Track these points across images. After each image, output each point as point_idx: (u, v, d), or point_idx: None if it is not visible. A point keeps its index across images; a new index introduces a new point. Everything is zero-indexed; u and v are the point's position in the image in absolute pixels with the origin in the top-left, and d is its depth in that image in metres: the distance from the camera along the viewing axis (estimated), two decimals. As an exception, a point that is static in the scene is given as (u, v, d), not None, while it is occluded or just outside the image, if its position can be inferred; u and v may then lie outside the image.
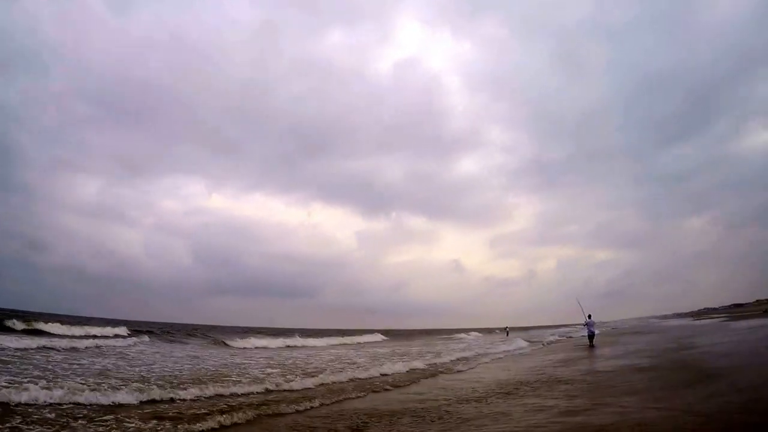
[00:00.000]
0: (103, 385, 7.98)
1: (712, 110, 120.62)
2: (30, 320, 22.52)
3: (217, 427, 5.68)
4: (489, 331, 51.15)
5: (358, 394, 8.32)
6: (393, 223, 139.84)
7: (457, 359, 15.90)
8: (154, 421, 5.68)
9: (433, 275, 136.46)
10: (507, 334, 41.86)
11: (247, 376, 10.49)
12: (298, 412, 6.68)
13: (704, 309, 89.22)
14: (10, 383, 7.30)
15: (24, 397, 6.40)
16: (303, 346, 25.66)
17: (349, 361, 15.50)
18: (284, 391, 8.51)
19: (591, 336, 20.35)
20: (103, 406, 6.52)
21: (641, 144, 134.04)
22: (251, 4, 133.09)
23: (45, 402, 6.38)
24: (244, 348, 22.34)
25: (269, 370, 11.85)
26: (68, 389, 7.02)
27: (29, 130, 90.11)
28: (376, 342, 34.32)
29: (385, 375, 10.99)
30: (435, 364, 13.92)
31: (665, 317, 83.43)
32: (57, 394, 6.67)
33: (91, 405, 6.50)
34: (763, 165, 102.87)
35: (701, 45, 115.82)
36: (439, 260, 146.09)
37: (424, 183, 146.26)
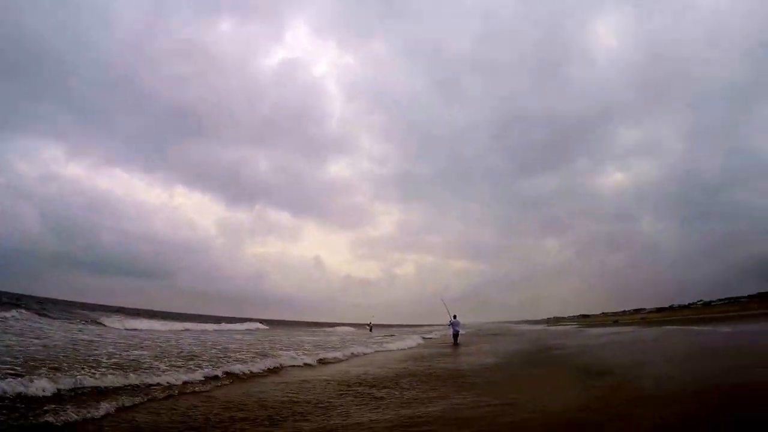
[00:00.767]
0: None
1: (574, 149, 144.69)
2: None
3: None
4: (359, 326, 51.11)
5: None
6: (256, 215, 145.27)
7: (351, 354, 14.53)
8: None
9: (295, 269, 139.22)
10: (370, 330, 41.82)
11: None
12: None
13: (553, 318, 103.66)
14: None
15: None
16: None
17: (281, 345, 15.48)
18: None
19: (456, 335, 20.93)
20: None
21: (506, 169, 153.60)
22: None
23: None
24: (136, 329, 20.91)
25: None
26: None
27: None
28: (260, 330, 33.52)
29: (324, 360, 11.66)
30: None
31: (518, 323, 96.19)
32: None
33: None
34: (613, 200, 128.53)
35: (573, 93, 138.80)
36: (301, 256, 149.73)
37: (293, 180, 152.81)
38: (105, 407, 5.02)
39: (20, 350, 8.78)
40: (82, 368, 7.03)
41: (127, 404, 5.38)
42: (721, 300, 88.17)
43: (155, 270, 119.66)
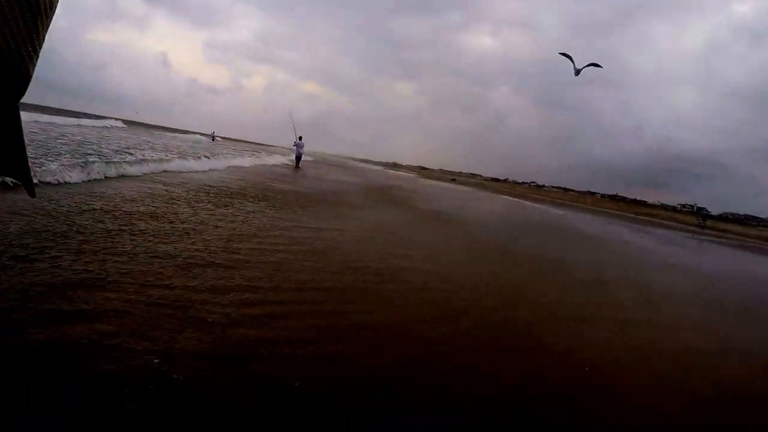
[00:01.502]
0: None
1: (452, 1, 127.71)
2: None
3: None
4: (203, 135, 47.55)
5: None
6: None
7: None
8: None
9: (138, 65, 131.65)
10: (213, 140, 39.86)
11: None
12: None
13: (393, 162, 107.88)
14: None
15: None
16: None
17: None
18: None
19: (298, 158, 19.73)
20: None
21: (383, 1, 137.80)
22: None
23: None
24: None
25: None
26: None
27: None
28: (122, 129, 29.55)
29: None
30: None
31: (357, 160, 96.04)
32: None
33: None
34: (476, 62, 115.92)
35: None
36: (147, 50, 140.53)
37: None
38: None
39: None
40: None
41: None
42: (554, 186, 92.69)
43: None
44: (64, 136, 12.17)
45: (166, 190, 6.36)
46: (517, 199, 29.89)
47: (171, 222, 4.22)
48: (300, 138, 19.39)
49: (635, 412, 2.04)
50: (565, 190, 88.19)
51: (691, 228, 33.08)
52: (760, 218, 67.26)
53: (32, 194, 0.86)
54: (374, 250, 4.60)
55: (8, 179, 3.98)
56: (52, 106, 57.78)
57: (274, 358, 1.93)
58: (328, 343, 2.17)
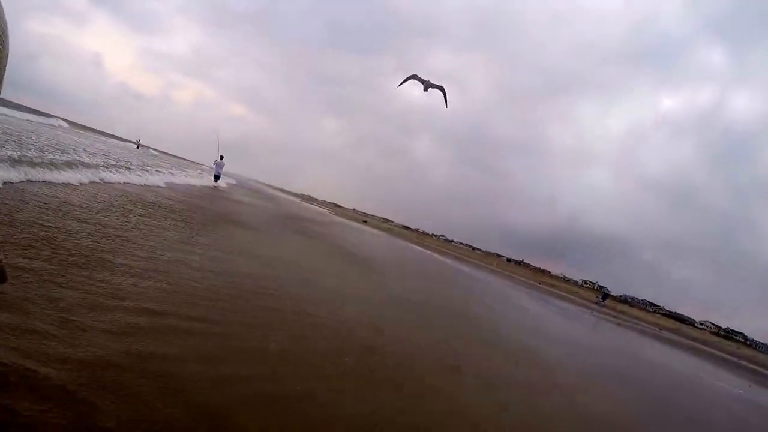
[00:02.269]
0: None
1: (388, 48, 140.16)
2: None
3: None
4: (126, 142, 44.93)
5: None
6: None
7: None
8: None
9: (70, 60, 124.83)
10: (138, 147, 39.68)
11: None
12: None
13: (308, 195, 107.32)
14: None
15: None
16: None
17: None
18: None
19: (217, 177, 20.18)
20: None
21: (319, 36, 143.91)
22: None
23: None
24: None
25: None
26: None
27: None
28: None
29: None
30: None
31: (274, 188, 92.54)
32: None
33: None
34: (403, 110, 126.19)
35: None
36: (82, 47, 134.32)
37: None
38: None
39: None
40: None
41: None
42: (463, 243, 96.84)
43: None
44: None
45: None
46: (429, 252, 30.55)
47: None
48: (222, 157, 19.66)
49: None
50: (473, 248, 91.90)
51: (591, 305, 34.93)
52: (657, 305, 71.25)
53: None
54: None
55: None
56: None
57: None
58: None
